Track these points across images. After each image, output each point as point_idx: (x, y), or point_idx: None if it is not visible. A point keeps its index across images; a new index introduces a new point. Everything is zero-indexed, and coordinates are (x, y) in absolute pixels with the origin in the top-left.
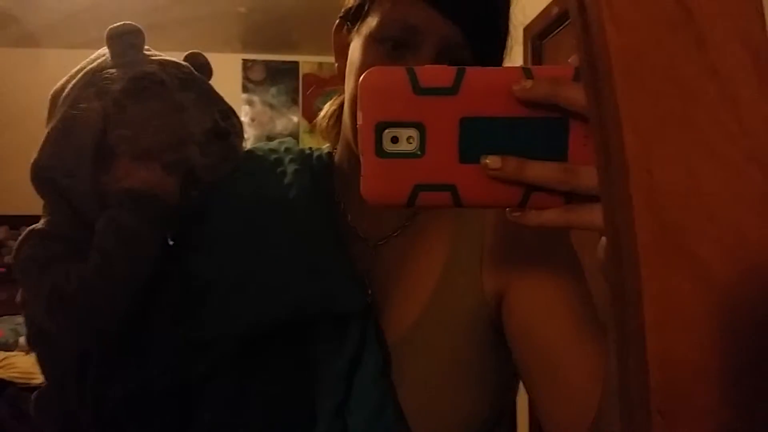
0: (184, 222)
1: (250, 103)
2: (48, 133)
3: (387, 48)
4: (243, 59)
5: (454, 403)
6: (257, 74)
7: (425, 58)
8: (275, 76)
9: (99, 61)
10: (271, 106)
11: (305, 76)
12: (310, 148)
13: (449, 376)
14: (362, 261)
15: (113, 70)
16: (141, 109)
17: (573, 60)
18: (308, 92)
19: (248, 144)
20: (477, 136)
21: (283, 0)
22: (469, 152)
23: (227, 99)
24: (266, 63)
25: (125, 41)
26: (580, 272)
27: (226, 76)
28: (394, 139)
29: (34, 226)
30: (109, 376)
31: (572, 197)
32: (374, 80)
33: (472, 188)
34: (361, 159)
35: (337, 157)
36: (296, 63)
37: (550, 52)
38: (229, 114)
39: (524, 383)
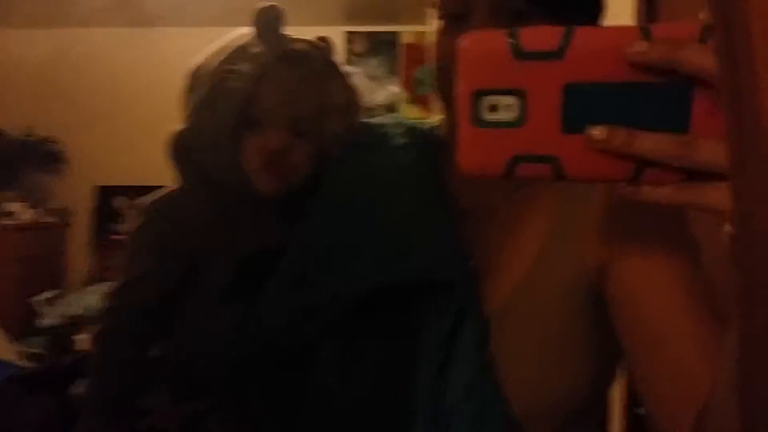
0: (303, 193)
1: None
2: (192, 106)
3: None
4: (347, 32)
5: (550, 377)
6: (360, 46)
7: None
8: (377, 47)
9: (244, 40)
10: (372, 78)
11: (405, 46)
12: (416, 122)
13: (546, 348)
14: (465, 232)
15: (261, 48)
16: (289, 79)
17: (702, 17)
18: (407, 63)
19: None
20: (583, 104)
21: None
22: (573, 121)
23: None
24: (368, 34)
25: (272, 22)
26: (696, 253)
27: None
28: (493, 108)
29: (156, 198)
30: (222, 339)
31: (693, 174)
32: (472, 45)
33: (577, 161)
34: (457, 128)
35: (440, 130)
36: (396, 33)
37: (667, 4)
38: (357, 91)
39: (627, 360)
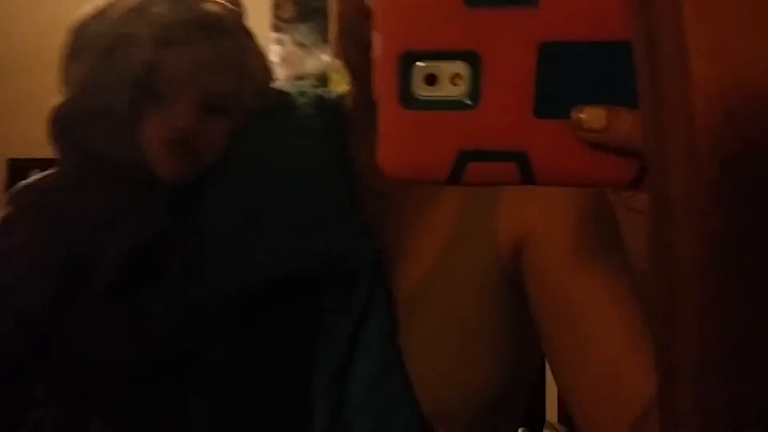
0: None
1: (280, 42)
2: (77, 73)
3: None
4: None
5: (464, 367)
6: (287, 12)
7: None
8: (306, 14)
9: None
10: (302, 45)
11: None
12: (323, 91)
13: (460, 337)
14: (372, 213)
15: (163, 9)
16: (199, 47)
17: None
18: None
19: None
20: (566, 74)
21: None
22: (551, 100)
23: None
24: (296, 0)
25: None
26: (617, 235)
27: (256, 15)
28: (431, 79)
29: (26, 182)
30: (104, 339)
31: None
32: None
33: (554, 157)
34: (378, 109)
35: (348, 100)
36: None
37: None
38: (266, 54)
39: (547, 359)
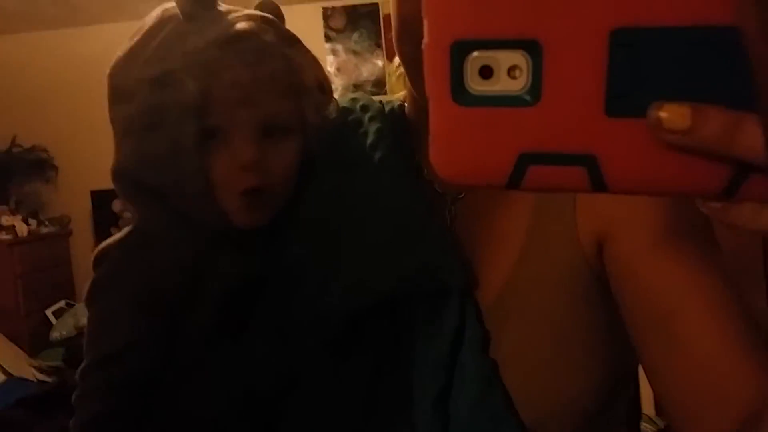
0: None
1: (334, 52)
2: (126, 124)
3: None
4: (323, 7)
5: (561, 373)
6: (338, 22)
7: None
8: (356, 21)
9: (169, 27)
10: (355, 53)
11: (386, 17)
12: (381, 102)
13: (553, 342)
14: (445, 220)
15: (196, 36)
16: (249, 73)
17: None
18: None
19: (336, 94)
20: (643, 66)
21: None
22: (625, 96)
23: (311, 51)
24: (346, 8)
25: (203, 3)
26: (707, 228)
27: (308, 27)
28: (486, 72)
29: (109, 243)
30: (202, 384)
31: None
32: None
33: (629, 162)
34: (429, 106)
35: (407, 107)
36: (376, 5)
37: None
38: (321, 64)
39: (640, 360)
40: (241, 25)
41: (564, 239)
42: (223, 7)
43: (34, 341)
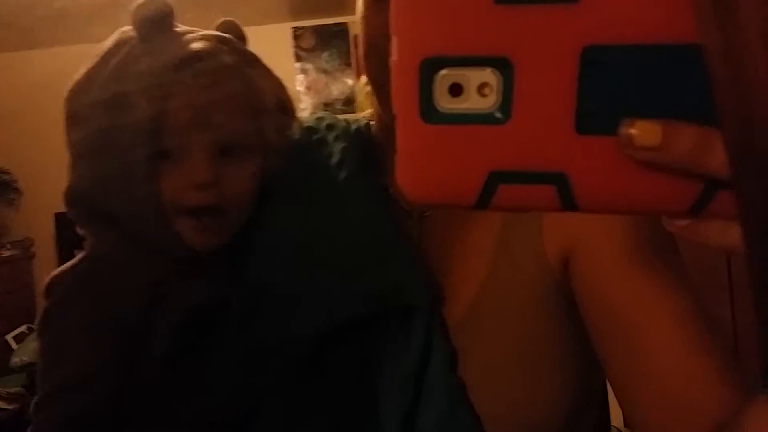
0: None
1: (304, 71)
2: (81, 147)
3: None
4: (293, 27)
5: (530, 389)
6: (308, 41)
7: None
8: (326, 40)
9: (125, 50)
10: (325, 72)
11: (356, 36)
12: (347, 121)
13: (520, 358)
14: (413, 238)
15: (150, 58)
16: (204, 94)
17: None
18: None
19: (306, 113)
20: (613, 83)
21: None
22: (595, 113)
23: (280, 71)
24: (315, 28)
25: (159, 20)
26: (672, 243)
27: (278, 47)
28: (455, 89)
29: (61, 270)
30: (166, 412)
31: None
32: None
33: (599, 180)
34: (397, 124)
35: (374, 126)
36: (345, 24)
37: None
38: (281, 81)
39: (601, 361)
40: (195, 46)
41: (531, 255)
42: (180, 28)
43: None
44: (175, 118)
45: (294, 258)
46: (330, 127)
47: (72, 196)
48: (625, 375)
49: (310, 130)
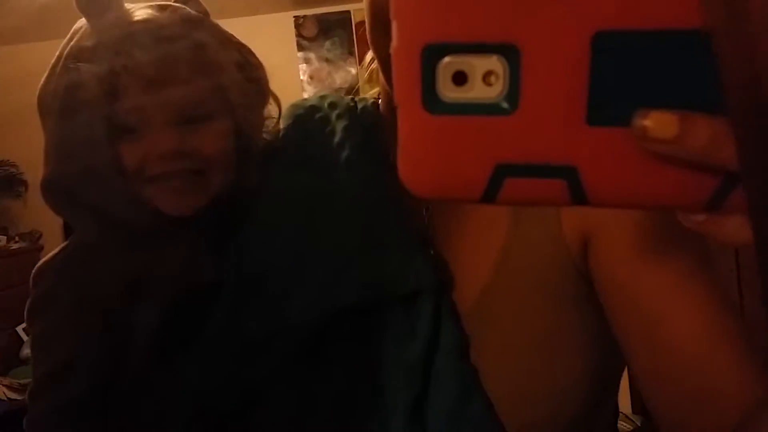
0: (235, 201)
1: (306, 60)
2: (49, 137)
3: None
4: (294, 16)
5: (546, 378)
6: (310, 30)
7: None
8: (328, 29)
9: (77, 36)
10: (328, 61)
11: (358, 24)
12: (353, 99)
13: (537, 344)
14: (417, 221)
15: (97, 37)
16: (153, 64)
17: None
18: (362, 42)
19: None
20: (626, 71)
21: None
22: (607, 103)
23: (283, 60)
24: (317, 17)
25: (100, 3)
26: (702, 245)
27: (280, 36)
28: (459, 77)
29: (45, 260)
30: (161, 391)
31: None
32: None
33: (611, 173)
34: (398, 114)
35: (381, 104)
36: (348, 12)
37: None
38: (244, 46)
39: (620, 348)
40: (138, 15)
41: (548, 238)
42: (128, 4)
43: (5, 359)
44: (129, 92)
45: (292, 240)
46: (332, 105)
47: (47, 185)
48: (647, 366)
49: (312, 109)
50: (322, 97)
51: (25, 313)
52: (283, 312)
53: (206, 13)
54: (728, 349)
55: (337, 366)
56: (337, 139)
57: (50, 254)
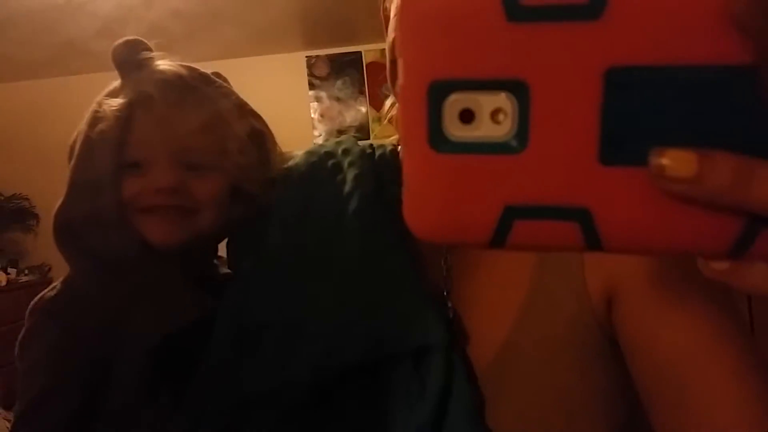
0: (233, 250)
1: (318, 99)
2: (68, 180)
3: None
4: (306, 56)
5: None
6: (321, 70)
7: None
8: (339, 68)
9: (108, 89)
10: (338, 100)
11: (369, 65)
12: (372, 146)
13: (561, 409)
14: (434, 273)
15: (122, 88)
16: (162, 106)
17: None
18: (373, 82)
19: (320, 140)
20: (641, 108)
21: None
22: (621, 142)
23: (294, 98)
24: (329, 57)
25: (130, 55)
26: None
27: (292, 75)
28: (467, 115)
29: (39, 297)
30: None
31: None
32: (427, 2)
33: (626, 216)
34: (404, 153)
35: (400, 151)
36: (359, 53)
37: None
38: (259, 116)
39: (645, 411)
40: (160, 73)
41: (571, 294)
42: (157, 60)
43: (10, 394)
44: (140, 130)
45: (291, 297)
46: (346, 152)
47: (55, 224)
48: (674, 429)
49: (327, 156)
50: (338, 143)
51: (16, 348)
52: (284, 368)
53: (227, 81)
54: (759, 414)
55: (342, 425)
56: (347, 188)
57: (46, 290)
